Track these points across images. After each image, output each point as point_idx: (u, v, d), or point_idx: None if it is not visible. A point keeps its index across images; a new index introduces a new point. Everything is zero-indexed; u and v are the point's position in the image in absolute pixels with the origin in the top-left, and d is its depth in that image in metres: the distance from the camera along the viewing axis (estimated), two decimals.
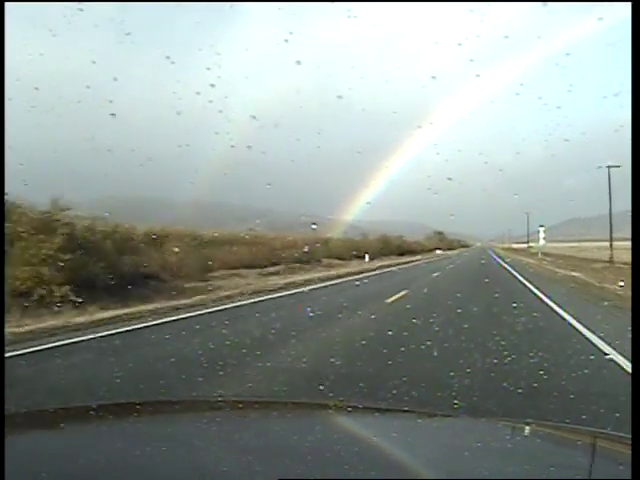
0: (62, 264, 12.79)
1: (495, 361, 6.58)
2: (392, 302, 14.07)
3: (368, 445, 1.59)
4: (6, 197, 12.26)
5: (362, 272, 29.39)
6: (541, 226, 68.92)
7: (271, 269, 27.00)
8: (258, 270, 25.43)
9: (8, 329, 9.17)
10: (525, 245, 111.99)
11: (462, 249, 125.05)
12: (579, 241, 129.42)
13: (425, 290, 18.11)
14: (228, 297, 15.83)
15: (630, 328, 3.23)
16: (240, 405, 2.20)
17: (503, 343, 7.62)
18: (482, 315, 11.08)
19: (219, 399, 2.36)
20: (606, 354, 7.09)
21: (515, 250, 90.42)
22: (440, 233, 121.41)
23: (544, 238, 70.70)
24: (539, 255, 52.92)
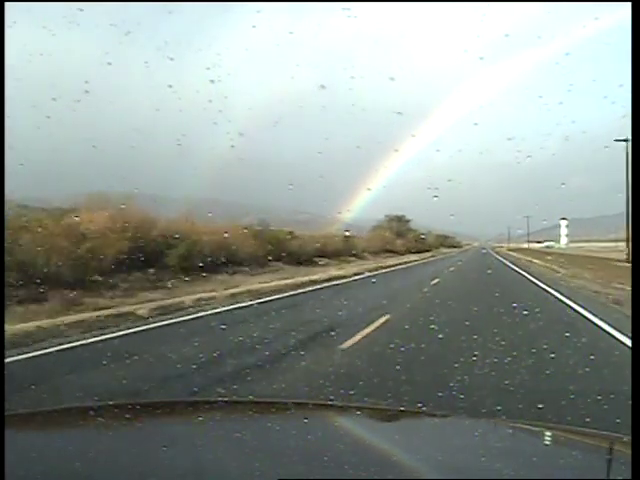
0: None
1: None
2: None
3: (368, 445, 1.59)
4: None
5: None
6: (563, 219, 49.73)
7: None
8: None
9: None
10: (541, 244, 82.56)
11: (448, 250, 79.60)
12: (587, 241, 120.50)
13: None
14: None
15: None
16: (240, 405, 2.20)
17: None
18: None
19: (219, 399, 2.36)
20: None
21: (539, 253, 48.32)
22: (400, 219, 62.49)
23: (567, 235, 52.18)
24: None
